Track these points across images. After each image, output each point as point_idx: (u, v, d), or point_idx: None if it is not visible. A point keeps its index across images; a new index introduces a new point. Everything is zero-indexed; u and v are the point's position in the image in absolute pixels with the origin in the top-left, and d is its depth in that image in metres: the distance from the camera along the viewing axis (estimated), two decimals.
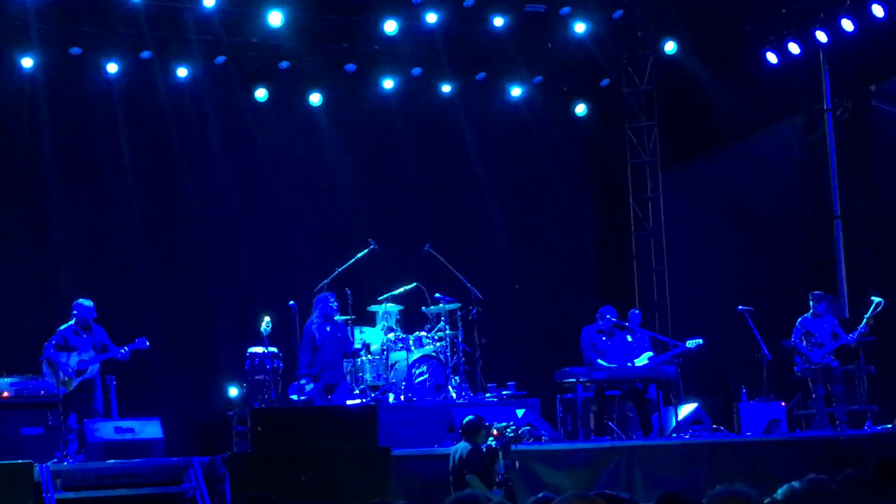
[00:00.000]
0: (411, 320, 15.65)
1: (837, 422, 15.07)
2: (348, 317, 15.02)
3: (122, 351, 13.72)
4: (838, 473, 8.16)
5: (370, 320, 15.61)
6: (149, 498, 11.96)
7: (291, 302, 14.40)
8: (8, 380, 13.92)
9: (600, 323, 14.96)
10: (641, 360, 15.17)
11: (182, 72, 16.68)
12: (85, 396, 13.62)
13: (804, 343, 15.35)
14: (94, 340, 13.78)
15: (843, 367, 15.57)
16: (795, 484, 7.07)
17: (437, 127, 18.30)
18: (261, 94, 17.27)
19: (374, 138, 18.08)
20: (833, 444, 14.02)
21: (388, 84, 17.76)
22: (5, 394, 14.00)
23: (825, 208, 18.14)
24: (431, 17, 16.74)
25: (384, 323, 15.35)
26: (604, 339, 14.91)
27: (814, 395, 15.35)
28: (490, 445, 11.87)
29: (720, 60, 17.85)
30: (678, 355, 15.40)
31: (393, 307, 15.42)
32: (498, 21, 17.10)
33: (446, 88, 18.06)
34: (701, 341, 15.38)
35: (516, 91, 18.44)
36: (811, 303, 15.43)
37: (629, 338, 15.40)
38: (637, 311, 16.18)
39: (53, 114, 16.33)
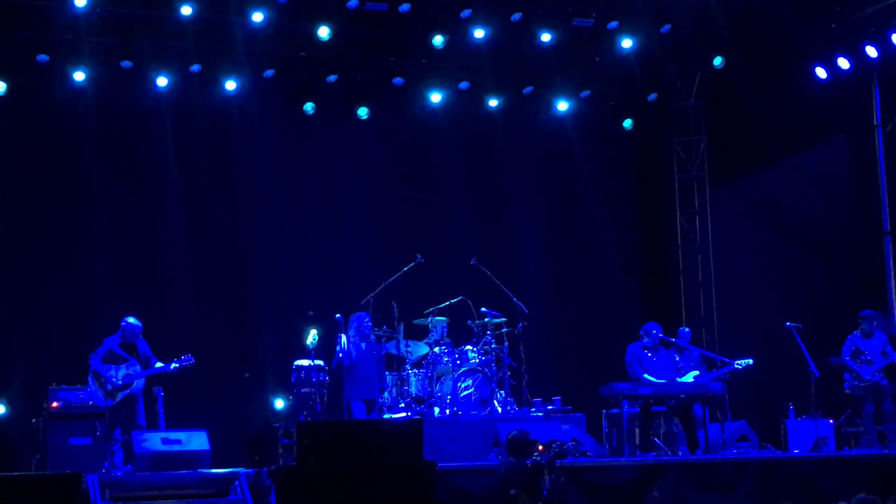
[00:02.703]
0: (458, 334, 15.66)
1: (887, 440, 14.93)
2: (394, 332, 15.06)
3: (173, 367, 13.83)
4: (887, 492, 8.10)
5: (416, 334, 15.63)
6: None
7: (338, 315, 14.45)
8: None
9: (645, 340, 14.91)
10: (687, 378, 15.11)
11: (231, 85, 16.80)
12: (129, 410, 13.71)
13: (854, 360, 15.24)
14: (139, 355, 13.91)
15: (892, 384, 15.42)
16: (844, 503, 7.04)
17: (484, 141, 18.32)
18: (308, 107, 17.36)
19: (421, 152, 18.13)
20: (882, 462, 13.86)
21: (436, 98, 17.81)
22: (55, 404, 14.18)
23: (875, 224, 18.03)
24: (479, 32, 16.77)
25: (431, 336, 15.39)
26: (649, 355, 14.86)
27: (863, 413, 15.22)
28: (535, 460, 11.84)
29: (769, 75, 17.78)
30: (727, 374, 15.34)
31: (440, 321, 15.45)
32: (545, 36, 17.08)
33: (493, 102, 18.08)
34: (751, 361, 15.32)
35: (563, 105, 18.43)
36: (861, 322, 15.32)
37: (677, 357, 15.36)
38: (687, 329, 16.12)
39: (102, 127, 16.49)
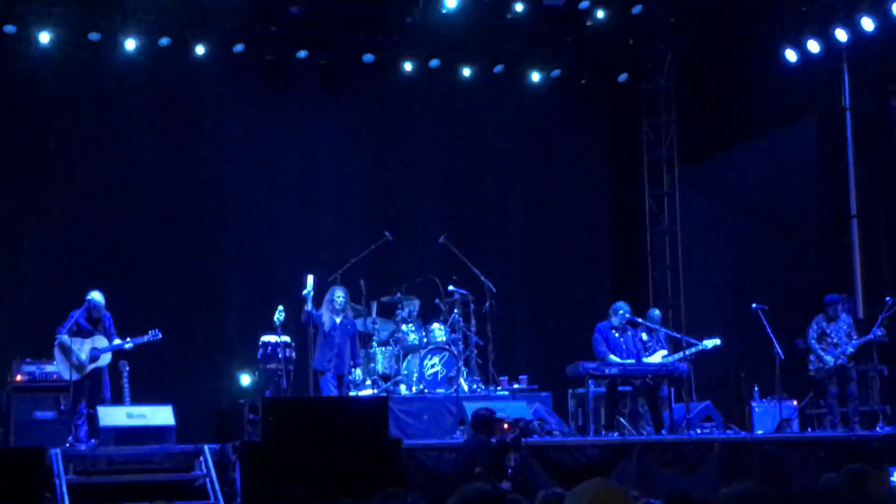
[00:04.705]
0: (426, 312, 15.67)
1: (850, 422, 15.04)
2: (360, 307, 15.07)
3: (128, 346, 13.74)
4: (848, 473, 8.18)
5: (384, 311, 15.62)
6: (159, 484, 11.98)
7: (306, 291, 14.42)
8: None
9: (613, 319, 14.95)
10: (654, 358, 15.18)
11: (200, 55, 16.63)
12: (94, 384, 13.67)
13: (819, 343, 15.33)
14: (105, 329, 13.86)
15: (858, 367, 15.54)
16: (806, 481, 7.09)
17: (455, 120, 18.29)
18: (279, 83, 17.26)
19: (391, 129, 18.06)
20: (845, 443, 13.99)
21: (408, 73, 17.70)
22: (19, 378, 14.10)
23: (842, 207, 18.13)
24: (451, 3, 16.59)
25: (399, 314, 15.38)
26: (616, 335, 14.90)
27: (827, 395, 15.32)
28: (500, 439, 11.87)
29: (739, 57, 17.82)
30: (693, 354, 15.41)
31: (411, 300, 15.44)
32: (517, 13, 17.01)
33: (464, 80, 18.03)
34: (718, 341, 15.38)
35: (534, 84, 18.39)
36: (826, 307, 15.42)
37: (644, 336, 15.41)
38: (657, 311, 16.21)
39: (69, 99, 16.32)
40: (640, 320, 15.47)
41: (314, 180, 17.67)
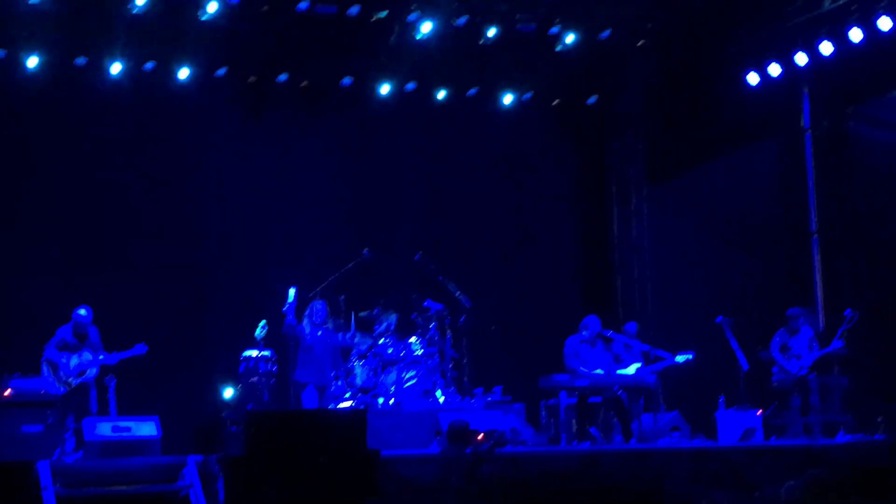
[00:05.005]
0: (403, 326, 16.00)
1: (812, 431, 15.45)
2: (341, 322, 15.42)
3: (114, 360, 14.09)
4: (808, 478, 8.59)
5: (363, 326, 15.97)
6: (145, 496, 12.01)
7: (286, 307, 14.76)
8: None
9: (583, 333, 15.32)
10: (629, 370, 15.57)
11: (183, 78, 16.92)
12: (81, 397, 13.96)
13: (782, 355, 15.77)
14: (92, 344, 14.17)
15: (819, 378, 15.94)
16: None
17: (430, 141, 18.55)
18: (260, 105, 17.57)
19: (369, 150, 18.35)
20: (807, 452, 14.34)
21: (384, 96, 18.03)
22: (7, 392, 14.35)
23: (803, 224, 18.53)
24: (425, 28, 16.95)
25: (377, 329, 15.74)
26: (588, 348, 15.30)
27: (790, 405, 15.70)
28: (475, 449, 12.17)
29: (704, 80, 18.17)
30: (665, 369, 15.79)
31: (389, 315, 15.80)
32: (490, 38, 17.36)
33: (437, 104, 18.33)
34: (690, 356, 15.74)
35: (507, 107, 18.71)
36: (788, 320, 15.86)
37: (624, 347, 15.79)
38: (634, 324, 16.59)
39: (54, 117, 16.52)
40: (610, 334, 15.83)
41: (295, 199, 17.89)
